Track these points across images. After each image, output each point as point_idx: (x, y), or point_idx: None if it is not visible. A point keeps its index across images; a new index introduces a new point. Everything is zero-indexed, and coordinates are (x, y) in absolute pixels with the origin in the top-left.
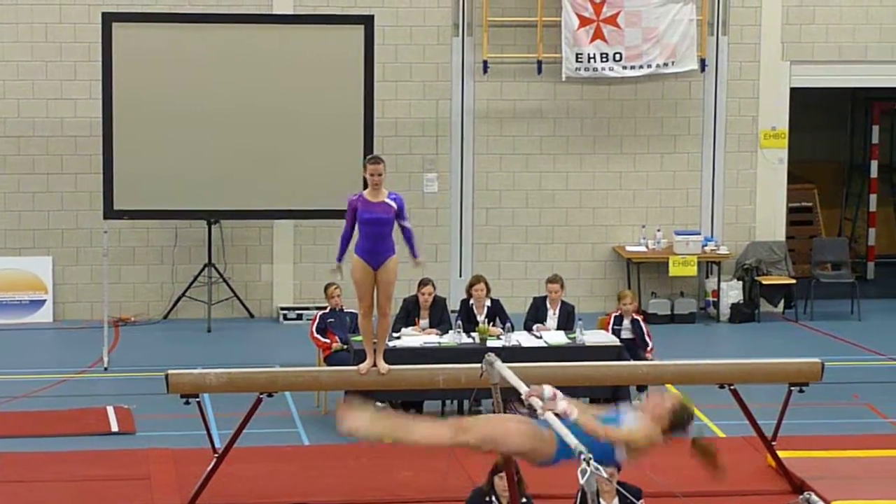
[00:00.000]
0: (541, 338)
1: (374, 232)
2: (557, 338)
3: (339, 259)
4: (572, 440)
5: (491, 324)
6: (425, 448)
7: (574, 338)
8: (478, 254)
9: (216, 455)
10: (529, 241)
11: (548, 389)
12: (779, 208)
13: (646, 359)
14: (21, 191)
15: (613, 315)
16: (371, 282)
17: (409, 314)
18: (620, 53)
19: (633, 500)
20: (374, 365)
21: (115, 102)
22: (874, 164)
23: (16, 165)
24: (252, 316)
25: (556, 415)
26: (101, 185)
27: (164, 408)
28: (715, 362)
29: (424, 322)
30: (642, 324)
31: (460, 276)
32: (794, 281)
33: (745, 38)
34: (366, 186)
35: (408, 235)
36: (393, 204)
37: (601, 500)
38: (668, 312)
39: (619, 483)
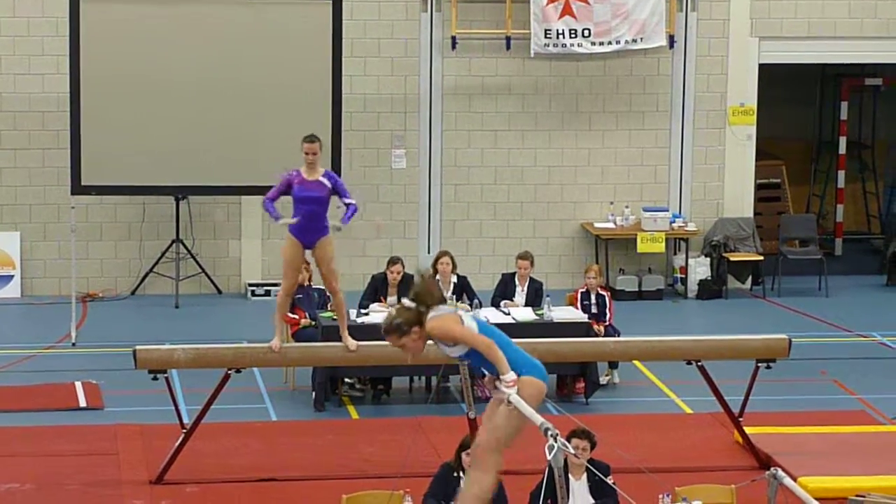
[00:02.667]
0: (509, 314)
1: (308, 210)
2: (526, 314)
3: (278, 218)
4: (537, 419)
5: (458, 301)
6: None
7: (542, 314)
8: (446, 230)
9: (184, 430)
10: (498, 218)
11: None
12: (747, 185)
13: (595, 330)
14: None
15: (580, 291)
16: (300, 261)
17: (376, 291)
18: (589, 29)
19: (602, 476)
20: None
21: (83, 78)
22: (842, 141)
23: None
24: (220, 292)
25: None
26: (68, 160)
27: (132, 383)
28: (682, 339)
29: (392, 299)
30: (607, 299)
31: (428, 252)
32: (761, 257)
33: (713, 14)
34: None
35: (352, 211)
36: (327, 182)
37: (571, 475)
38: (636, 289)
39: (588, 460)
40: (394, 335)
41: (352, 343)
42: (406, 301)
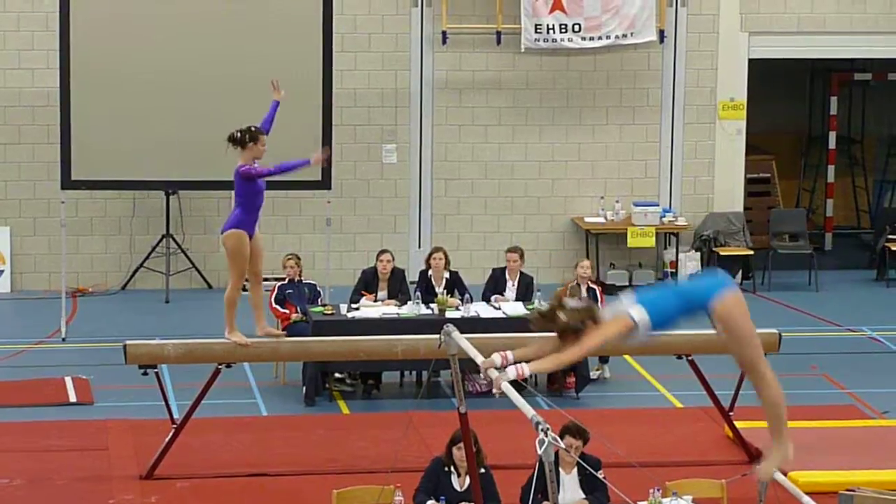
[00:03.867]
0: (499, 309)
1: (260, 203)
2: (516, 309)
3: (308, 161)
4: (529, 411)
5: (450, 295)
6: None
7: (533, 309)
8: (437, 225)
9: (174, 426)
10: (488, 213)
11: (497, 358)
12: (737, 179)
13: None
14: None
15: (570, 285)
16: (248, 252)
17: (367, 285)
18: (579, 24)
19: (593, 471)
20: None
21: (73, 72)
22: (832, 136)
23: None
24: (210, 287)
25: (513, 381)
26: (58, 155)
27: (123, 378)
28: (672, 333)
29: (382, 293)
30: (598, 292)
31: (419, 247)
32: (751, 252)
33: (703, 9)
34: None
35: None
36: None
37: (561, 470)
38: (627, 283)
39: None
40: (570, 335)
41: (244, 339)
42: (569, 301)
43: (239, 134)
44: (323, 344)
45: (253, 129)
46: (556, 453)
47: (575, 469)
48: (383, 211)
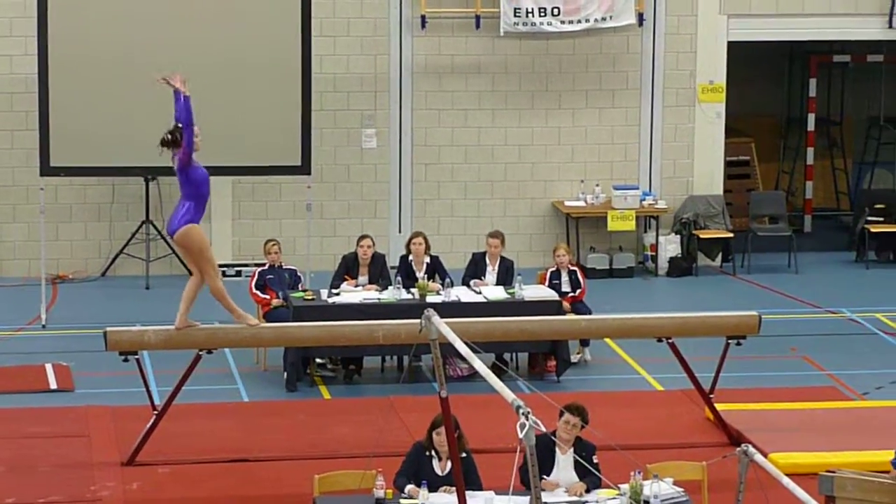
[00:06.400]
0: (480, 293)
1: (207, 193)
2: (497, 293)
3: (178, 92)
4: (509, 395)
5: (430, 280)
6: None
7: (513, 293)
8: (417, 210)
9: (155, 412)
10: (468, 197)
11: None
12: (716, 162)
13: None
14: None
15: (550, 271)
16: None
17: (348, 270)
18: (558, 8)
19: (588, 455)
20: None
21: (51, 58)
22: (811, 118)
23: None
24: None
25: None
26: (37, 141)
27: (103, 365)
28: (653, 316)
29: (363, 279)
30: (579, 274)
31: (399, 231)
32: (731, 234)
33: None
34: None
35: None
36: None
37: (558, 450)
38: (607, 267)
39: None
40: None
41: (252, 320)
42: None
43: (170, 135)
44: (304, 329)
45: (181, 126)
46: (554, 432)
47: (571, 450)
48: (363, 196)
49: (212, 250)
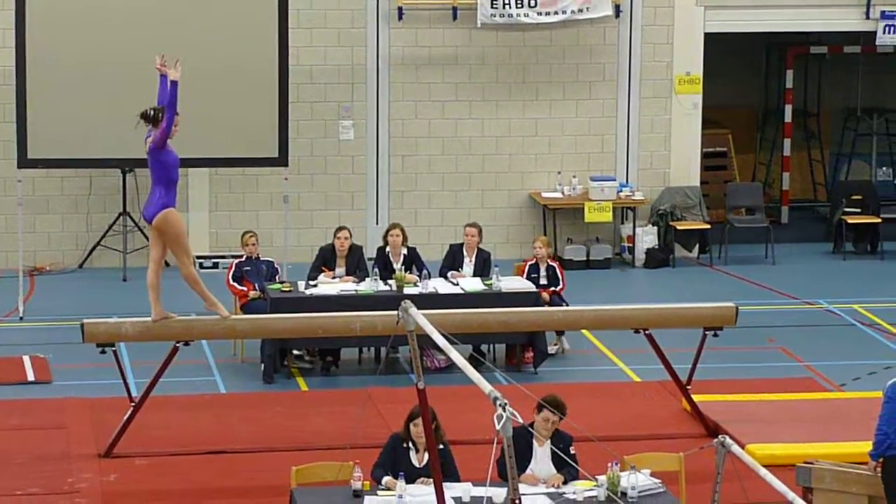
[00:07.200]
0: (457, 284)
1: (177, 178)
2: (474, 284)
3: (164, 77)
4: (486, 386)
5: (407, 272)
6: None
7: (490, 284)
8: (394, 201)
9: (133, 404)
10: (446, 189)
11: None
12: (693, 154)
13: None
14: None
15: (528, 263)
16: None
17: (325, 262)
18: None
19: (565, 447)
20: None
21: (29, 51)
22: (788, 109)
23: None
24: (168, 265)
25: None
26: (14, 134)
27: (80, 357)
28: (630, 307)
29: (340, 270)
30: (558, 269)
31: (377, 223)
32: (708, 226)
33: None
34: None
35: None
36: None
37: (535, 442)
38: (584, 258)
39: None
40: None
41: (224, 311)
42: None
43: (152, 111)
44: (281, 321)
45: (164, 106)
46: (531, 424)
47: (548, 442)
48: (340, 187)
49: (187, 237)
